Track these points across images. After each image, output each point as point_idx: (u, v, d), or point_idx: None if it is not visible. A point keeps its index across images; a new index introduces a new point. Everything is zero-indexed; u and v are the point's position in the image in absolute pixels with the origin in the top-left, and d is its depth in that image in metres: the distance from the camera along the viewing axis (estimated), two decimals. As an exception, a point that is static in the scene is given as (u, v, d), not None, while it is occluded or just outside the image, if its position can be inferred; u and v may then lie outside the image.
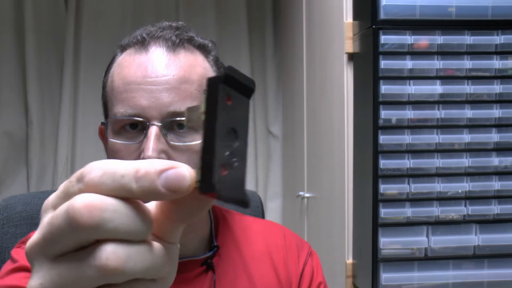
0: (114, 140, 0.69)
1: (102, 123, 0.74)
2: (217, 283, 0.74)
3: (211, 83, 0.28)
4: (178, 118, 0.68)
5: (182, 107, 0.67)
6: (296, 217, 1.93)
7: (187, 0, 2.28)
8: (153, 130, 0.66)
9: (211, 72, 0.74)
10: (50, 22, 2.22)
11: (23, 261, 0.69)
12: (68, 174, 2.20)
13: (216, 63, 0.76)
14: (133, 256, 0.27)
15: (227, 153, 0.28)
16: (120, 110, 0.68)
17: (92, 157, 2.17)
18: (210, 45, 0.76)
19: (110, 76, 0.74)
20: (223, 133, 0.28)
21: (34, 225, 0.95)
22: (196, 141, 0.69)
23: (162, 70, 0.68)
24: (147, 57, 0.70)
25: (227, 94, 0.28)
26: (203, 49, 0.75)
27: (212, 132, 0.27)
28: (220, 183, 0.27)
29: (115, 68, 0.73)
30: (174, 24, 0.75)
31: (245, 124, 0.29)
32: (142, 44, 0.71)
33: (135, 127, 0.69)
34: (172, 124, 0.68)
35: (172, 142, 0.67)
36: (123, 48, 0.74)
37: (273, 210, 2.34)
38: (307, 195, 1.72)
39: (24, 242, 0.76)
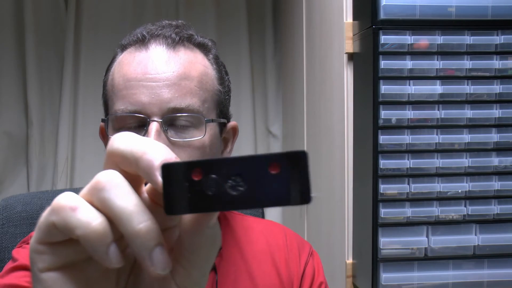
0: None
1: (103, 120, 0.74)
2: (219, 283, 0.74)
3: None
4: (178, 114, 0.68)
5: (182, 103, 0.68)
6: (296, 217, 1.93)
7: (187, 0, 2.28)
8: (154, 126, 0.67)
9: (210, 70, 0.74)
10: (50, 22, 2.22)
11: (23, 260, 0.69)
12: (68, 174, 2.20)
13: (216, 61, 0.77)
14: None
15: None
16: (121, 107, 0.69)
17: (92, 157, 2.18)
18: (209, 43, 0.77)
19: (110, 74, 0.74)
20: None
21: (34, 225, 0.94)
22: (196, 137, 0.69)
23: (162, 67, 0.69)
24: (147, 54, 0.70)
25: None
26: (203, 48, 0.75)
27: None
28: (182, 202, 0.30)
29: (115, 67, 0.73)
30: (174, 23, 0.75)
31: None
32: (142, 42, 0.71)
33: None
34: (172, 120, 0.69)
35: (172, 138, 0.68)
36: (124, 47, 0.74)
37: (273, 210, 2.33)
38: (307, 195, 1.71)
39: (25, 242, 0.75)
